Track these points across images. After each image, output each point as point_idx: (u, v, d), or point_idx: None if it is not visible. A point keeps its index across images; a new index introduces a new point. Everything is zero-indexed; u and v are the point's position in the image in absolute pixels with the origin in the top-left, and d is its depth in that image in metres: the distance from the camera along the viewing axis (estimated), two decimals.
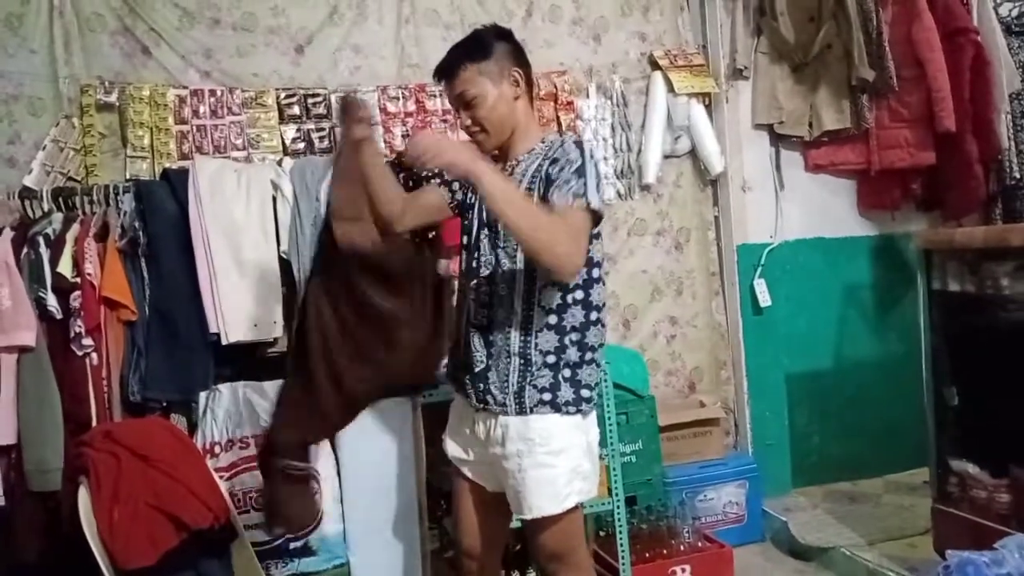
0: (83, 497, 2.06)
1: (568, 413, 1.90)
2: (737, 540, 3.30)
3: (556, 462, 1.89)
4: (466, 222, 2.02)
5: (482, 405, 1.92)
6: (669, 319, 3.69)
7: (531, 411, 1.88)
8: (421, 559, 2.66)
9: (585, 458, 1.95)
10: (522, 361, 1.89)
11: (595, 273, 1.93)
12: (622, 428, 3.05)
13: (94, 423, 2.47)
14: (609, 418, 2.80)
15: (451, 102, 1.99)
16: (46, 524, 2.42)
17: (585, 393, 1.92)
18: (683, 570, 3.05)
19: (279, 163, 2.97)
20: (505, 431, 1.89)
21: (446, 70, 1.94)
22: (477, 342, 1.92)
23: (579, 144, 1.88)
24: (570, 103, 3.49)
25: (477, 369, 1.92)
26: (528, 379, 1.88)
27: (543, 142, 1.96)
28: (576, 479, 1.92)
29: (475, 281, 1.94)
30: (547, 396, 1.88)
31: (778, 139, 3.72)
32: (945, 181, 3.67)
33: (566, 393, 1.90)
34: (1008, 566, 2.17)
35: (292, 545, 2.51)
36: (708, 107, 3.64)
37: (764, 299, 3.66)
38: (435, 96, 3.26)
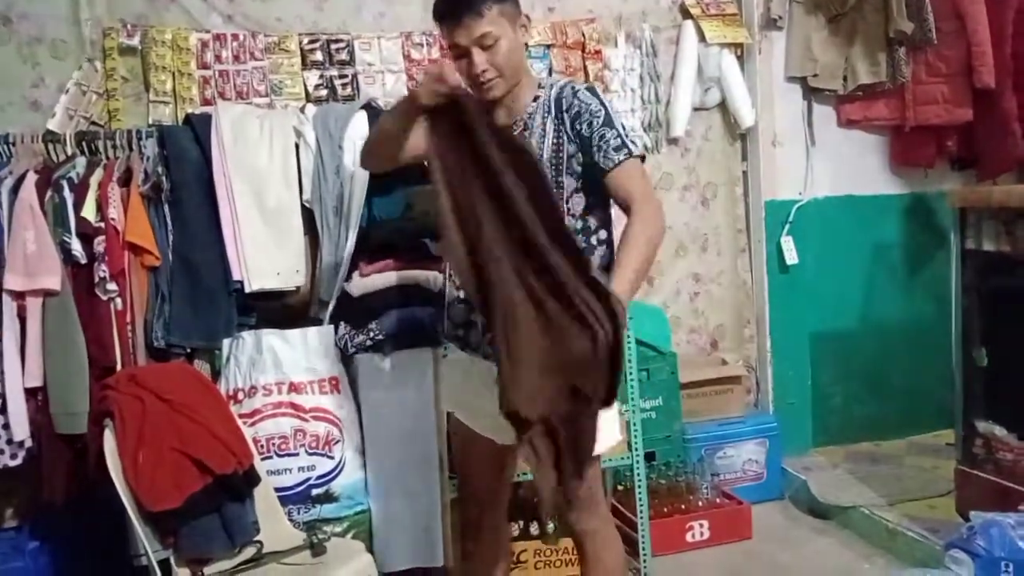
0: (108, 440, 2.08)
1: None
2: (756, 497, 3.31)
3: None
4: None
5: None
6: (693, 276, 3.65)
7: None
8: (441, 508, 2.67)
9: None
10: None
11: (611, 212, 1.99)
12: (643, 384, 3.04)
13: (118, 368, 2.47)
14: (631, 374, 2.78)
15: (460, 43, 1.85)
16: (73, 466, 2.45)
17: None
18: (701, 525, 3.07)
19: (302, 110, 2.93)
20: None
21: (470, 6, 1.82)
22: None
23: (591, 90, 1.92)
24: (598, 52, 3.41)
25: None
26: None
27: (540, 87, 1.96)
28: (616, 417, 2.03)
29: None
30: None
31: (811, 92, 3.63)
32: (981, 139, 3.59)
33: None
34: None
35: (314, 492, 2.53)
36: (740, 58, 3.56)
37: (791, 257, 3.61)
38: None
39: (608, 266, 1.93)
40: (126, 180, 2.61)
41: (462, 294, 1.96)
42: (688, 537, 3.05)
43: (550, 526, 2.87)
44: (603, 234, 1.96)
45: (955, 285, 2.86)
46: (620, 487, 3.17)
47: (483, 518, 2.07)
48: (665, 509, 3.08)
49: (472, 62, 1.85)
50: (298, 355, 2.59)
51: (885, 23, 3.43)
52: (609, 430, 1.98)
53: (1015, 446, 2.68)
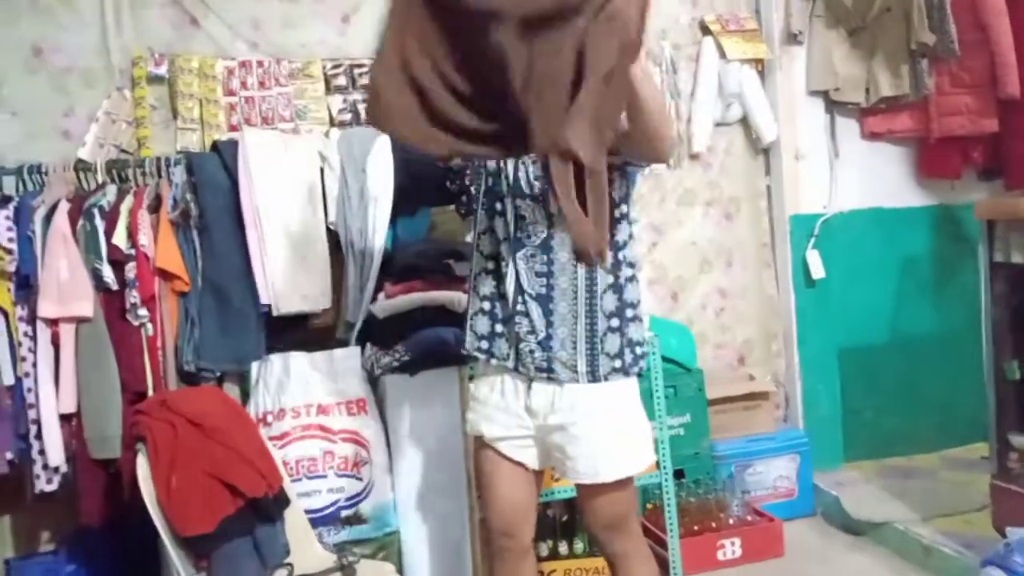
0: (142, 465, 2.10)
1: (632, 374, 1.95)
2: (787, 514, 3.27)
3: (632, 423, 1.96)
4: (493, 189, 1.97)
5: (545, 375, 1.91)
6: (718, 291, 3.64)
7: (605, 379, 1.90)
8: (469, 528, 2.67)
9: (645, 417, 2.02)
10: (588, 324, 1.89)
11: (633, 230, 1.98)
12: (670, 401, 3.02)
13: (150, 392, 2.50)
14: (657, 391, 2.77)
15: None
16: (108, 490, 2.48)
17: (639, 351, 1.96)
18: (732, 543, 3.03)
19: (326, 134, 2.96)
20: (575, 399, 1.90)
21: None
22: (535, 312, 1.90)
23: None
24: None
25: (539, 339, 1.90)
26: (599, 346, 1.90)
27: None
28: (648, 437, 2.01)
29: (523, 251, 1.91)
30: (618, 363, 1.91)
31: (833, 106, 3.62)
32: (1007, 148, 3.56)
33: (629, 356, 1.93)
34: None
35: (343, 513, 2.54)
36: (761, 73, 3.56)
37: (817, 271, 3.58)
38: None
39: (636, 303, 1.95)
40: (156, 207, 2.65)
41: (486, 305, 1.98)
42: (719, 555, 3.02)
43: (579, 545, 2.87)
44: (629, 271, 1.95)
45: (984, 298, 2.83)
46: (649, 505, 3.15)
47: (510, 542, 2.06)
48: (695, 527, 3.05)
49: None
50: (325, 377, 2.62)
51: (907, 35, 3.41)
52: (644, 450, 1.98)
53: None
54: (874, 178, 3.67)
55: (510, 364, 1.94)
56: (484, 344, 1.98)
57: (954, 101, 3.49)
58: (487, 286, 1.97)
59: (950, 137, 3.53)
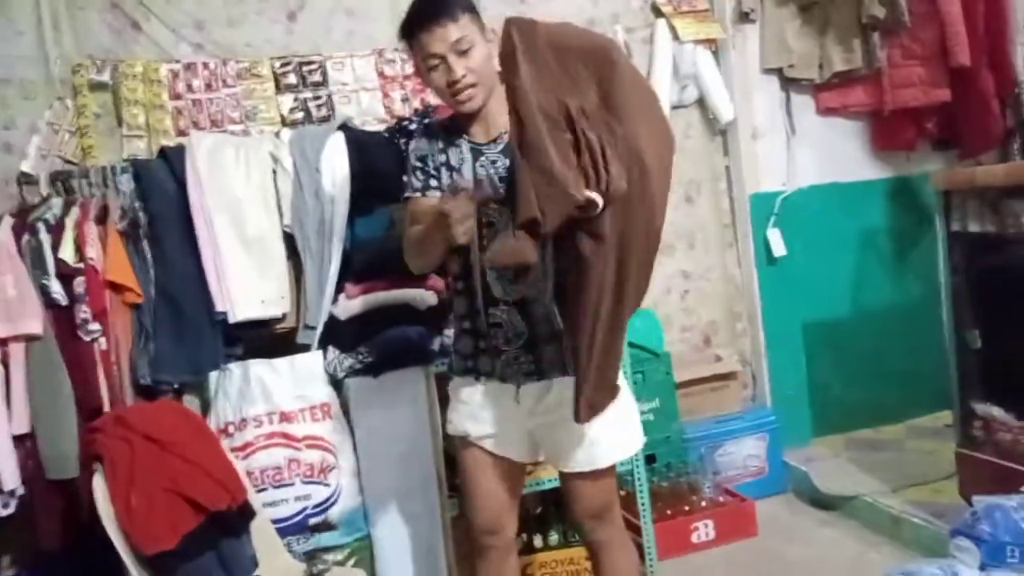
0: (99, 484, 2.05)
1: None
2: (759, 493, 3.30)
3: (622, 407, 1.93)
4: None
5: (535, 377, 1.89)
6: (682, 274, 3.64)
7: None
8: (442, 527, 2.65)
9: (634, 400, 2.05)
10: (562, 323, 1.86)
11: None
12: (639, 386, 3.03)
13: (106, 408, 2.44)
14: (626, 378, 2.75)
15: (436, 51, 1.83)
16: (67, 511, 2.41)
17: None
18: (705, 525, 3.05)
19: (277, 134, 2.91)
20: (564, 390, 1.87)
21: (445, 11, 1.82)
22: (516, 318, 1.88)
23: None
24: None
25: (522, 343, 1.88)
26: None
27: None
28: (638, 420, 2.02)
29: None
30: None
31: (788, 83, 3.63)
32: (961, 118, 3.58)
33: None
34: None
35: (312, 521, 2.50)
36: (715, 54, 3.55)
37: (779, 248, 3.60)
38: None
39: None
40: (103, 218, 2.58)
41: (466, 324, 1.95)
42: (693, 538, 3.04)
43: (553, 536, 2.86)
44: None
45: (943, 268, 2.85)
46: (622, 492, 3.13)
47: (493, 539, 2.05)
48: (668, 511, 3.07)
49: (450, 68, 1.84)
50: (287, 383, 2.56)
51: (857, 9, 3.43)
52: (636, 434, 2.00)
53: (1014, 426, 2.66)
54: (831, 153, 3.69)
55: (496, 378, 1.93)
56: (469, 363, 1.96)
57: (906, 73, 3.51)
58: (462, 305, 1.95)
59: (904, 109, 3.55)
